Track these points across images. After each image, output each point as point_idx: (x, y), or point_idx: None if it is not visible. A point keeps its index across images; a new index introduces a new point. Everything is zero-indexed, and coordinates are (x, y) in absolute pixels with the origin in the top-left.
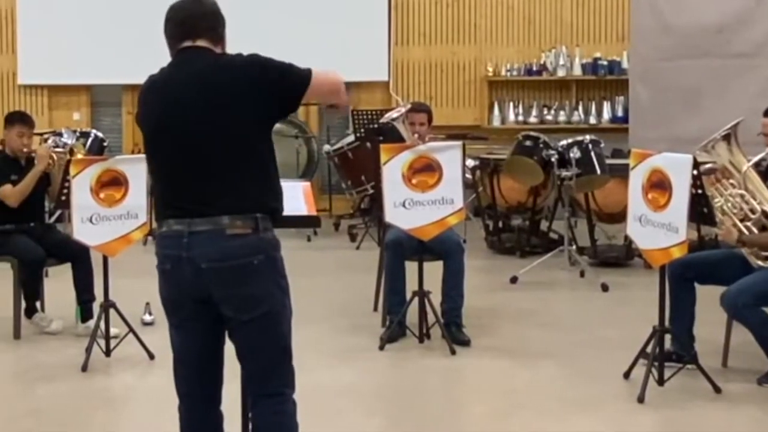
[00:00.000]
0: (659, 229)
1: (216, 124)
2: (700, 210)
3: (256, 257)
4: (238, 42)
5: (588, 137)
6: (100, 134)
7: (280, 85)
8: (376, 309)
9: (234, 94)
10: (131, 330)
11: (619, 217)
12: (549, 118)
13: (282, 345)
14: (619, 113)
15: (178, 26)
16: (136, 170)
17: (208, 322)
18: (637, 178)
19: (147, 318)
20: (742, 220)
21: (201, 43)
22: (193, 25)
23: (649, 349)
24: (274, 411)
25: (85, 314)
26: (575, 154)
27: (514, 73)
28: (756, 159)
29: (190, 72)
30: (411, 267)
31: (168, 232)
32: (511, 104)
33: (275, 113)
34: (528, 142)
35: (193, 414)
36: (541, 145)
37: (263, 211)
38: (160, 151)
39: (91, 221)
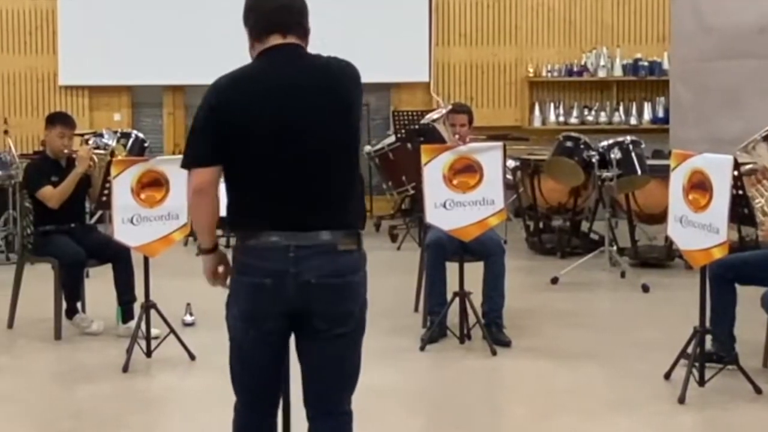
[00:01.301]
0: (700, 230)
1: (333, 131)
2: (741, 211)
3: (358, 274)
4: None
5: (629, 138)
6: (141, 135)
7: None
8: (417, 310)
9: (348, 103)
10: (172, 331)
11: (659, 217)
12: (590, 118)
13: (359, 361)
14: (660, 114)
15: (264, 18)
16: (177, 171)
17: (287, 334)
18: (677, 178)
19: (188, 319)
20: None
21: (291, 39)
22: (282, 19)
23: (689, 350)
24: (342, 431)
25: (125, 315)
26: (616, 154)
27: (555, 73)
28: None
29: (302, 73)
30: (452, 268)
31: (269, 244)
32: (552, 105)
33: None
34: (569, 143)
35: (252, 422)
36: (582, 146)
37: (360, 225)
38: (263, 156)
39: (132, 222)
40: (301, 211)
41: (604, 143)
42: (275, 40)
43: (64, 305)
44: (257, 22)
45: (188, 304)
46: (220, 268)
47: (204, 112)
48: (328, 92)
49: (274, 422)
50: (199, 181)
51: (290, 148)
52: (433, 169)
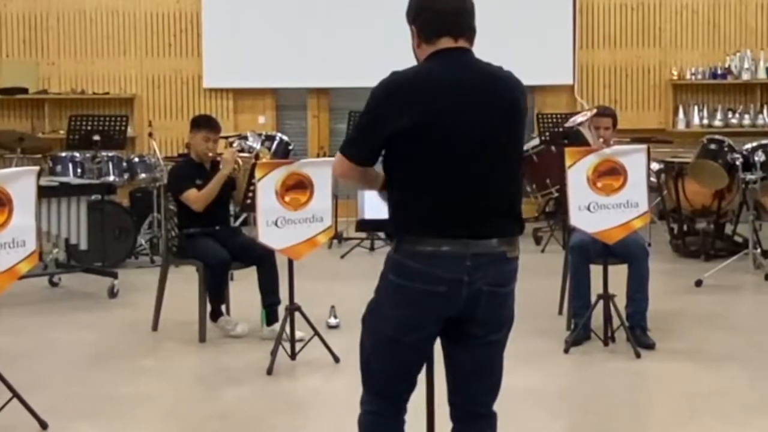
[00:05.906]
0: None
1: (506, 140)
2: None
3: (516, 281)
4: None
5: None
6: (285, 138)
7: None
8: (561, 312)
9: (520, 114)
10: (316, 333)
11: None
12: (734, 121)
13: (503, 363)
14: None
15: (437, 19)
16: (321, 174)
17: (437, 337)
18: None
19: (332, 321)
20: None
21: (462, 43)
22: (456, 22)
23: None
24: None
25: (270, 317)
26: (760, 157)
27: (699, 76)
28: None
29: (478, 79)
30: (596, 270)
31: (445, 253)
32: (696, 108)
33: None
34: (713, 146)
35: (386, 425)
36: (726, 149)
37: (521, 231)
38: (438, 159)
39: (276, 224)
40: (477, 220)
41: (748, 146)
42: (446, 43)
43: (209, 308)
44: (428, 22)
45: (332, 307)
46: None
47: (374, 111)
48: (503, 100)
49: (403, 422)
50: (344, 171)
51: (467, 152)
52: (577, 171)
